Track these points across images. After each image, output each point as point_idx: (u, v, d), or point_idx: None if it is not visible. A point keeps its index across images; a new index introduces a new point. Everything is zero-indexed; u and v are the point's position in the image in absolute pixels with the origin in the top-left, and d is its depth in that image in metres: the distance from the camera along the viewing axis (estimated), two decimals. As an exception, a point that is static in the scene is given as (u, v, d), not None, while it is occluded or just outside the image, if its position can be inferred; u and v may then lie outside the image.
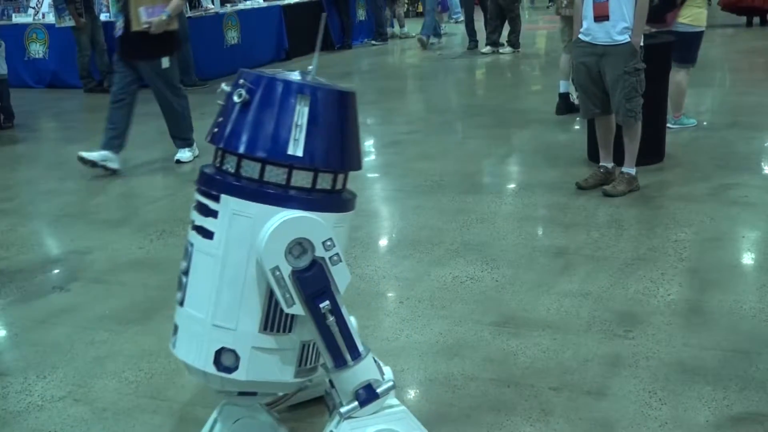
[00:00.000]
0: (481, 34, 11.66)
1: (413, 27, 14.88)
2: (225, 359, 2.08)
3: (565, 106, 7.08)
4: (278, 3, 12.02)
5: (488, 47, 11.26)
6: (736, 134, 6.12)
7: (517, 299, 3.50)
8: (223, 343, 2.07)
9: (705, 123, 6.49)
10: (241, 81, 2.08)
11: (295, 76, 2.13)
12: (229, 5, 11.16)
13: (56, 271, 4.14)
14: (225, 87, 2.12)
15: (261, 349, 2.09)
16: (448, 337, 3.19)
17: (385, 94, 8.91)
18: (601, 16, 4.58)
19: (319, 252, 2.06)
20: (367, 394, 2.17)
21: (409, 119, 7.43)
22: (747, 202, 4.58)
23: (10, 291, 3.88)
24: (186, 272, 2.15)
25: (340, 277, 2.11)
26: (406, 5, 16.62)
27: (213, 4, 10.81)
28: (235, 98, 2.06)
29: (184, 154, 6.15)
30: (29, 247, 4.52)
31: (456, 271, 3.81)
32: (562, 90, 7.12)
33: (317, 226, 2.06)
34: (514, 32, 11.21)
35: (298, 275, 2.04)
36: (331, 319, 2.09)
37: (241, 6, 11.35)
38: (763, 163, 5.50)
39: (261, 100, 2.06)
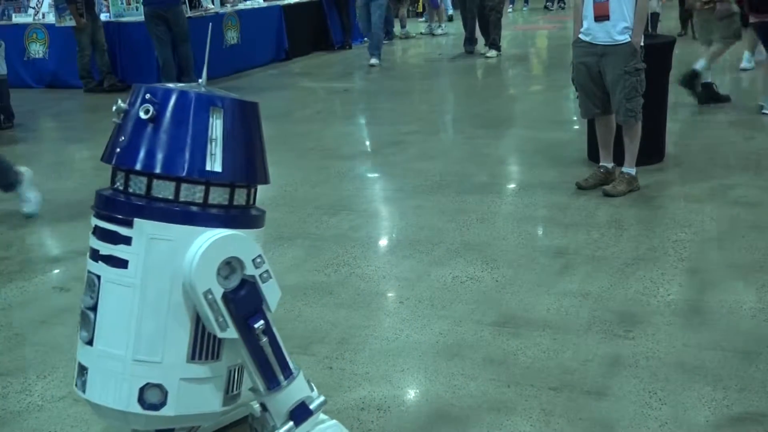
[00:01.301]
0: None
1: (413, 27, 14.90)
2: (150, 396, 1.95)
3: (707, 95, 7.04)
4: (278, 3, 12.02)
5: (490, 49, 11.07)
6: (736, 134, 6.12)
7: (517, 299, 3.50)
8: (148, 379, 1.94)
9: (704, 123, 6.49)
10: (147, 96, 1.94)
11: (195, 88, 2.03)
12: (229, 5, 11.16)
13: (56, 271, 4.14)
14: (122, 104, 1.98)
15: (190, 380, 1.98)
16: (448, 337, 3.19)
17: (386, 94, 8.90)
18: (601, 16, 4.59)
19: (249, 270, 1.98)
20: (302, 413, 2.11)
21: (409, 119, 7.42)
22: (747, 202, 4.58)
23: (10, 291, 3.88)
24: (93, 308, 1.98)
25: (271, 294, 2.03)
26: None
27: (213, 4, 10.81)
28: (142, 114, 1.92)
29: None
30: (29, 247, 4.52)
31: (456, 271, 3.81)
32: (707, 80, 7.13)
33: (246, 243, 1.98)
34: (498, 34, 11.02)
35: (230, 296, 1.95)
36: (264, 339, 2.01)
37: (241, 6, 11.34)
38: (763, 163, 5.49)
39: (171, 115, 1.93)
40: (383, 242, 4.41)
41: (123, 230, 1.93)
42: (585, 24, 4.71)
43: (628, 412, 2.62)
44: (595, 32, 4.65)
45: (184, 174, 1.92)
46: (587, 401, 2.70)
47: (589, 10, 4.65)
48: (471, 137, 6.62)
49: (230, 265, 1.96)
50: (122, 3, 10.10)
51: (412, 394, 2.83)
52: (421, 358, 3.03)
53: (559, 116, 7.04)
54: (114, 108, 1.97)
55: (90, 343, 1.99)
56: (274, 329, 2.07)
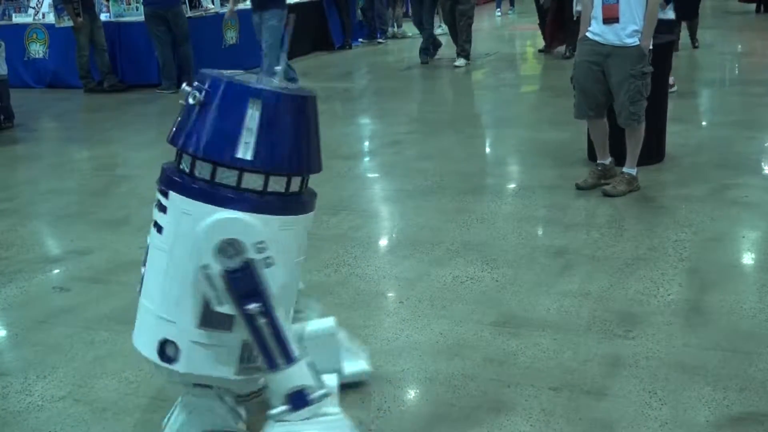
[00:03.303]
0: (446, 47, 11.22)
1: (410, 27, 14.86)
2: (168, 350, 2.16)
3: None
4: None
5: (459, 58, 10.46)
6: (736, 134, 6.12)
7: (517, 299, 3.50)
8: (166, 335, 2.16)
9: (704, 123, 6.49)
10: (196, 83, 2.13)
11: (253, 79, 2.18)
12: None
13: (56, 271, 4.14)
14: (186, 87, 2.15)
15: (199, 344, 2.15)
16: (448, 337, 3.19)
17: (385, 94, 8.90)
18: (610, 18, 4.48)
19: (251, 254, 2.08)
20: (299, 400, 2.16)
21: (409, 119, 7.42)
22: (747, 202, 4.58)
23: (10, 291, 3.88)
24: (144, 263, 2.25)
25: (273, 279, 2.11)
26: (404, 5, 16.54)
27: (213, 4, 10.80)
28: (190, 100, 2.10)
29: None
30: (29, 247, 4.52)
31: (456, 271, 3.81)
32: None
33: (249, 228, 2.08)
34: (467, 41, 10.37)
35: (228, 275, 2.07)
36: (261, 321, 2.10)
37: (241, 6, 11.32)
38: (763, 163, 5.50)
39: (215, 103, 2.10)
40: (383, 242, 4.41)
41: (163, 200, 2.16)
42: (594, 24, 4.60)
43: (628, 412, 2.62)
44: (603, 33, 4.55)
45: (215, 159, 2.09)
46: (587, 401, 2.70)
47: (598, 12, 4.54)
48: (471, 137, 6.61)
49: (234, 246, 2.07)
50: (122, 3, 10.10)
51: (412, 394, 2.84)
52: (421, 358, 3.03)
53: (559, 116, 7.02)
54: (180, 90, 2.15)
55: (139, 293, 2.27)
56: (278, 313, 2.12)
